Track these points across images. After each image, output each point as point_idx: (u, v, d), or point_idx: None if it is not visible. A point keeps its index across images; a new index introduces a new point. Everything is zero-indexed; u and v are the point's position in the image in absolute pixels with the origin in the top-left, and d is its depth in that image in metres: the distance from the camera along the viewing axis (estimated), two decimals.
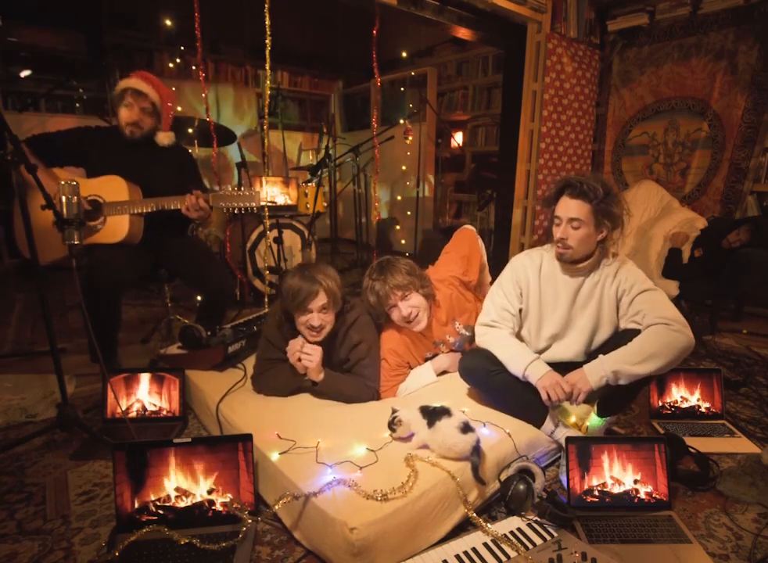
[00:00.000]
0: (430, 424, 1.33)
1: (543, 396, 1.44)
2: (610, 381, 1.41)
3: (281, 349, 1.68)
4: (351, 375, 1.72)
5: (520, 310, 1.66)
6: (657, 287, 1.53)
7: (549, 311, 1.63)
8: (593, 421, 1.61)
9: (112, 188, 1.99)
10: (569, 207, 1.49)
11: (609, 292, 1.56)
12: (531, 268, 1.64)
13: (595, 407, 1.61)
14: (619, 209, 1.49)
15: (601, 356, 1.45)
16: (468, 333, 1.87)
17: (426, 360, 1.87)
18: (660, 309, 1.45)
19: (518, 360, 1.52)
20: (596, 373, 1.41)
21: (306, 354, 1.59)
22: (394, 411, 1.39)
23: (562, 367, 1.51)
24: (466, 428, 1.30)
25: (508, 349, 1.57)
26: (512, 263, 1.69)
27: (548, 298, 1.63)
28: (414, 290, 1.73)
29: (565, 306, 1.60)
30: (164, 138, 2.15)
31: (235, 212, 2.05)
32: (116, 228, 1.99)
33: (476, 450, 1.30)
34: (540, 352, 1.65)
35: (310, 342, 1.63)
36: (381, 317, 1.79)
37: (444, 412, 1.34)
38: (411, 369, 1.83)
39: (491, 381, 1.58)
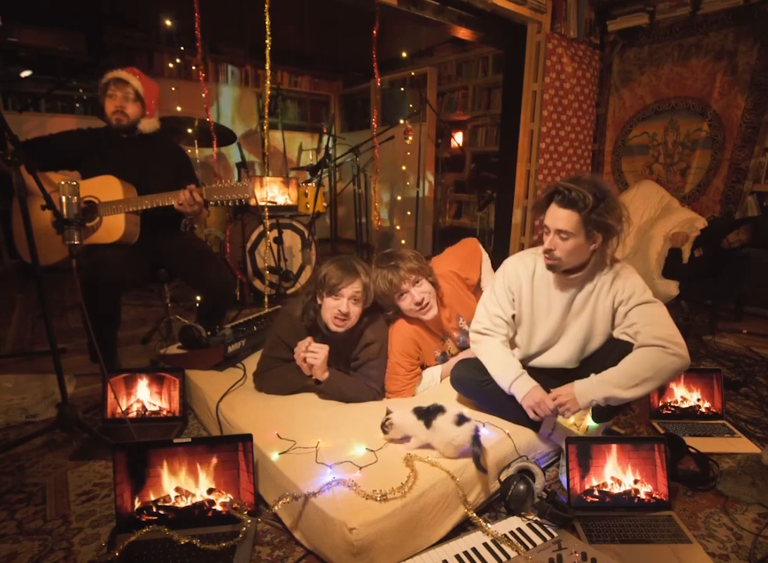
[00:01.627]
0: (427, 424, 1.33)
1: (530, 415, 1.43)
2: (600, 404, 1.39)
3: (292, 346, 1.67)
4: (355, 376, 1.72)
5: (513, 316, 1.62)
6: (656, 299, 1.42)
7: (542, 318, 1.58)
8: (592, 422, 1.61)
9: (106, 188, 1.99)
10: (557, 217, 1.38)
11: (605, 303, 1.48)
12: (524, 274, 1.58)
13: (590, 413, 1.60)
14: (614, 218, 1.36)
15: (593, 376, 1.40)
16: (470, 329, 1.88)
17: (436, 358, 1.87)
18: (657, 326, 1.37)
19: (504, 376, 1.50)
20: (586, 397, 1.38)
21: (312, 352, 1.59)
22: (389, 412, 1.39)
23: (553, 373, 1.49)
24: (461, 420, 1.31)
25: (496, 363, 1.54)
26: (504, 269, 1.62)
27: (541, 305, 1.57)
28: (424, 276, 1.73)
29: (558, 314, 1.55)
30: (147, 124, 2.14)
31: (230, 204, 2.04)
32: (112, 228, 1.99)
33: (476, 440, 1.30)
34: (532, 356, 1.63)
35: (332, 330, 1.63)
36: (389, 308, 1.77)
37: (438, 410, 1.34)
38: (423, 368, 1.84)
39: (482, 391, 1.57)
